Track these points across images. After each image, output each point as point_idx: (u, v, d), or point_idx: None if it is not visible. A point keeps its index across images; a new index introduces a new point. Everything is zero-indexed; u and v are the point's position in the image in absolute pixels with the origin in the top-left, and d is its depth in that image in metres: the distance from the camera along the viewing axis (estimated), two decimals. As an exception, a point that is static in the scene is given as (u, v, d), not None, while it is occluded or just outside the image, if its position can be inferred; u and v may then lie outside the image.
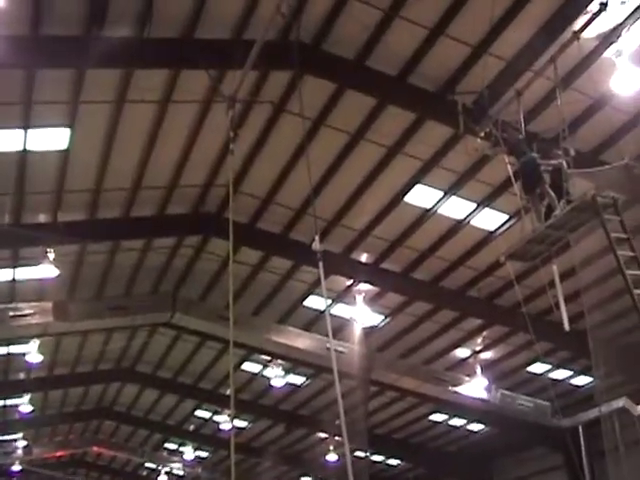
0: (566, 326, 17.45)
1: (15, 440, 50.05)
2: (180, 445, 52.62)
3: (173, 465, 54.14)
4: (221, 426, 45.77)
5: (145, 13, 17.86)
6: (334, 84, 20.48)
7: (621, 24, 17.52)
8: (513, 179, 17.53)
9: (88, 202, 24.63)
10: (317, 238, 12.62)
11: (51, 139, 21.51)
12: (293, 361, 34.98)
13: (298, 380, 38.35)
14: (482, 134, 18.29)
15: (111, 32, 17.91)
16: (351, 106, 21.09)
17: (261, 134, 22.42)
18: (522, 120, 17.15)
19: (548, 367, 33.60)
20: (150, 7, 17.71)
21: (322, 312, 30.36)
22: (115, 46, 17.96)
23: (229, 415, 41.92)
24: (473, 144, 19.33)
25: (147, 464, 56.83)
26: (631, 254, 15.47)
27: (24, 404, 42.49)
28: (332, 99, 20.94)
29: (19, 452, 50.58)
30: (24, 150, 21.51)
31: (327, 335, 30.14)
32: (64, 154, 22.16)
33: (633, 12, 17.34)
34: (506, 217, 24.40)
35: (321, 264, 12.44)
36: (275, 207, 25.55)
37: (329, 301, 29.66)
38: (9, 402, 42.97)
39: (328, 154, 22.87)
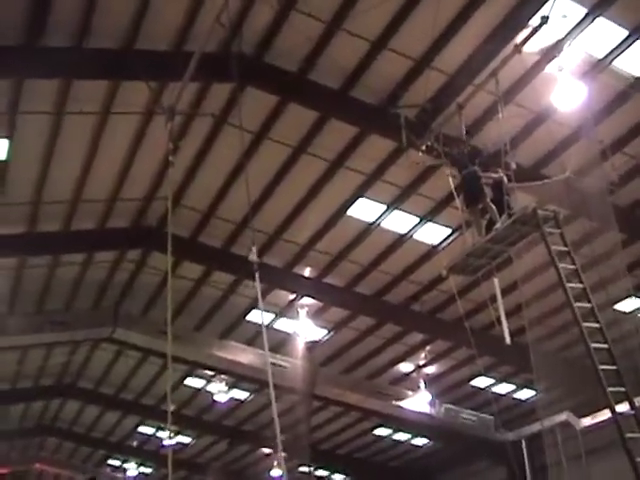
0: (507, 340, 17.50)
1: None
2: (123, 462, 51.98)
3: (114, 482, 53.55)
4: (164, 442, 45.29)
5: (85, 23, 17.61)
6: (276, 97, 20.35)
7: (562, 39, 17.66)
8: (455, 193, 17.50)
9: (27, 215, 24.17)
10: (254, 249, 12.45)
11: (-11, 150, 21.10)
12: (236, 376, 34.69)
13: (242, 395, 38.03)
14: (424, 147, 18.25)
15: (50, 42, 17.67)
16: (293, 119, 20.97)
17: (202, 147, 22.19)
18: (464, 134, 17.12)
19: (491, 381, 33.73)
20: (90, 17, 17.46)
21: (265, 326, 30.18)
22: (54, 56, 17.76)
23: (172, 431, 41.53)
24: (415, 158, 19.30)
25: (89, 481, 56.07)
26: (572, 267, 15.50)
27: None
28: (274, 112, 20.79)
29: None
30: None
31: (270, 350, 30.25)
32: (3, 165, 21.73)
33: (574, 27, 17.50)
34: (449, 231, 24.45)
35: (257, 275, 12.30)
36: (216, 221, 25.29)
37: (272, 315, 29.59)
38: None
39: (270, 167, 22.72)
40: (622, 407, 15.10)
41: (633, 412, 14.99)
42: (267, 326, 30.34)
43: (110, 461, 52.77)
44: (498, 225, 15.71)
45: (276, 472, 42.92)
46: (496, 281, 17.78)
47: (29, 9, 17.01)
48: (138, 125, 21.26)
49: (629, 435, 14.71)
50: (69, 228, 25.14)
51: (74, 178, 22.99)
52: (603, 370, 14.68)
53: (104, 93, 19.93)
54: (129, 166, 22.79)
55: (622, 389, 14.80)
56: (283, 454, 15.81)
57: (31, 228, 24.74)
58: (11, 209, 23.84)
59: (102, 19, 17.63)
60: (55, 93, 19.61)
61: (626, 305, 24.48)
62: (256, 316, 29.61)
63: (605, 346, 15.04)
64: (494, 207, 16.13)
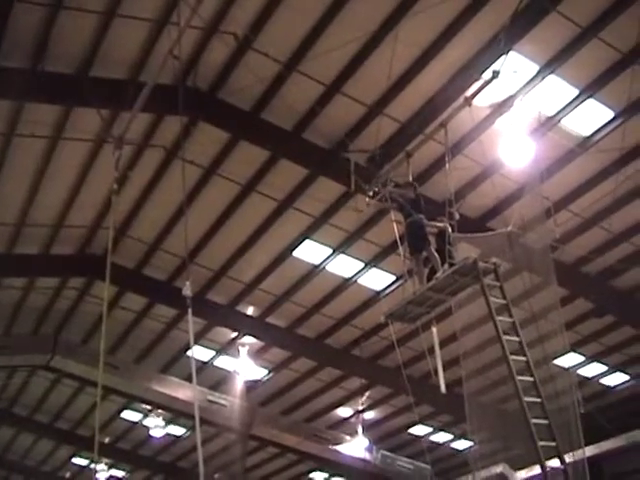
0: (443, 389, 17.50)
1: None
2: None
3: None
4: (98, 475, 44.62)
5: (40, 46, 17.54)
6: (228, 133, 20.38)
7: (513, 95, 17.90)
8: (399, 240, 17.55)
9: (-31, 237, 23.97)
10: (188, 284, 12.41)
11: None
12: (174, 411, 34.30)
13: (179, 431, 37.65)
14: (371, 193, 18.32)
15: (3, 62, 17.53)
16: (244, 157, 21.03)
17: (152, 179, 22.16)
18: (412, 181, 17.20)
19: (429, 430, 33.73)
20: (46, 41, 17.41)
21: (205, 363, 30.05)
22: (6, 77, 17.65)
23: (106, 464, 41.02)
24: (363, 203, 19.35)
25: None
26: (510, 320, 15.55)
27: None
28: (225, 148, 20.86)
29: None
30: None
31: (209, 387, 30.09)
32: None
33: (526, 84, 17.75)
34: (393, 278, 24.53)
35: (190, 310, 12.22)
36: (162, 253, 25.20)
37: (212, 352, 29.47)
38: None
39: (219, 203, 22.74)
40: (554, 462, 15.13)
41: (562, 467, 15.01)
42: (207, 363, 30.26)
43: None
44: (439, 274, 15.76)
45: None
46: (435, 331, 17.84)
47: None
48: (88, 152, 21.19)
49: (557, 491, 14.73)
50: (12, 251, 24.87)
51: (20, 201, 22.84)
52: (535, 424, 14.69)
53: (56, 117, 19.87)
54: (77, 192, 22.67)
55: (553, 444, 14.81)
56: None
57: (-28, 250, 24.49)
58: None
59: (58, 43, 17.63)
60: (6, 114, 19.48)
61: (565, 361, 24.63)
62: (196, 352, 29.42)
63: (538, 400, 15.07)
64: (437, 256, 16.17)
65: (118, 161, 15.35)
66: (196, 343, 28.46)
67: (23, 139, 20.38)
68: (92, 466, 42.95)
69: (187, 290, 12.39)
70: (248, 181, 21.85)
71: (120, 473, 43.50)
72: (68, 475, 47.05)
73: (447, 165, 16.98)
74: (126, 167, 20.45)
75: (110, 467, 41.98)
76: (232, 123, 20.08)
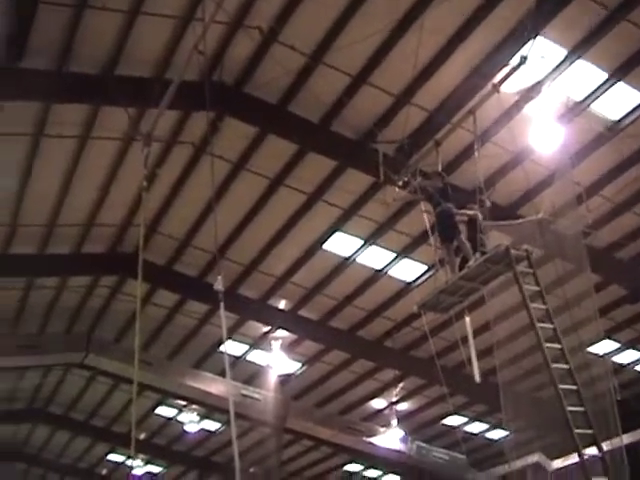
0: (477, 378, 17.39)
1: None
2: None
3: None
4: (134, 471, 44.81)
5: (65, 48, 17.60)
6: (255, 128, 20.35)
7: (541, 80, 17.75)
8: (429, 229, 17.46)
9: (2, 237, 24.09)
10: (220, 279, 12.38)
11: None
12: (208, 407, 34.42)
13: (213, 426, 37.74)
14: (400, 183, 18.21)
15: (30, 65, 17.60)
16: (272, 151, 21.00)
17: (181, 175, 22.18)
18: (440, 170, 17.09)
19: (464, 420, 33.61)
20: (71, 41, 17.45)
21: (238, 358, 30.09)
22: (33, 79, 17.71)
23: (142, 460, 41.20)
24: (392, 194, 19.26)
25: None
26: (544, 308, 15.43)
27: None
28: (253, 143, 20.81)
29: None
30: None
31: (243, 381, 30.13)
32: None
33: (554, 69, 17.60)
34: (424, 268, 24.44)
35: (222, 305, 12.20)
36: (192, 250, 25.22)
37: (245, 347, 29.50)
38: None
39: (248, 198, 22.73)
40: (591, 450, 15.01)
41: (600, 455, 14.90)
42: (240, 357, 30.26)
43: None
44: (471, 263, 15.66)
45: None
46: (468, 320, 17.70)
47: (9, 31, 16.92)
48: (117, 151, 21.26)
49: (595, 479, 14.63)
50: (44, 251, 25.02)
51: (51, 201, 22.95)
52: (571, 412, 14.59)
53: (84, 117, 19.93)
54: (107, 191, 22.78)
55: (590, 431, 14.70)
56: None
57: (5, 250, 24.63)
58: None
59: (83, 43, 17.67)
60: (34, 115, 19.57)
61: (600, 348, 24.43)
62: (229, 347, 29.46)
63: (574, 388, 14.96)
64: (468, 245, 16.07)
65: (147, 158, 15.37)
66: (229, 338, 28.53)
67: (51, 140, 20.47)
68: (128, 462, 43.28)
69: (219, 285, 12.36)
70: (276, 175, 21.82)
71: (156, 469, 43.67)
72: (105, 472, 47.29)
73: (476, 153, 16.91)
74: (155, 164, 20.44)
75: (146, 463, 42.17)
76: (259, 117, 20.04)
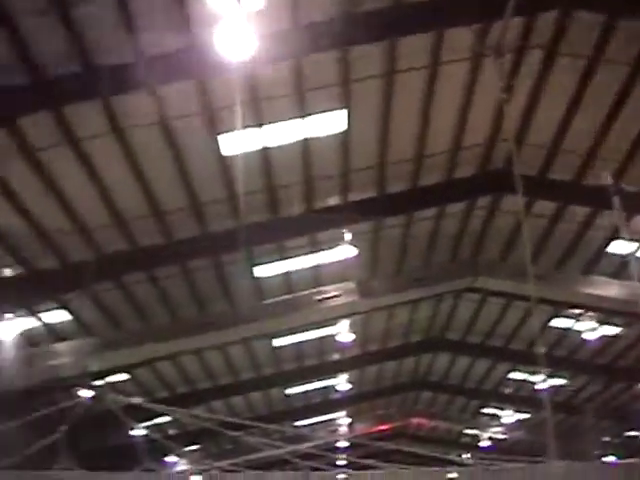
0: None
1: (338, 418, 51.76)
2: (498, 409, 52.18)
3: (493, 429, 53.90)
4: (537, 387, 44.78)
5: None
6: (603, 15, 19.00)
7: None
8: None
9: (374, 179, 24.85)
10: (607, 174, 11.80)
11: (329, 123, 21.77)
12: (605, 311, 33.61)
13: (613, 331, 36.80)
14: None
15: (368, 7, 17.69)
16: (626, 35, 19.44)
17: (536, 82, 21.42)
18: None
19: None
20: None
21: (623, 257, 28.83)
22: (373, 19, 17.81)
23: (544, 374, 41.07)
24: None
25: (467, 431, 56.92)
26: None
27: (342, 383, 43.80)
28: (604, 32, 19.41)
29: (344, 429, 52.20)
30: (305, 139, 21.99)
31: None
32: (344, 135, 22.37)
33: None
34: None
35: (617, 199, 11.59)
36: (563, 154, 24.39)
37: (636, 244, 28.14)
38: (327, 383, 44.37)
39: (610, 90, 21.44)
40: None
41: None
42: (626, 257, 29.00)
43: (484, 410, 53.23)
44: None
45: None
46: None
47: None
48: (468, 71, 20.99)
49: None
50: (416, 185, 25.48)
51: (413, 135, 23.23)
52: None
53: (429, 45, 19.81)
54: (466, 113, 22.64)
55: None
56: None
57: (380, 191, 25.33)
58: (358, 175, 24.56)
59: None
60: (381, 55, 19.73)
61: None
62: (619, 247, 28.27)
63: None
64: None
65: (502, 69, 14.99)
66: (617, 238, 27.37)
67: (402, 75, 20.61)
68: (531, 379, 43.44)
69: (607, 178, 11.80)
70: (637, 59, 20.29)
71: (559, 381, 43.37)
72: (508, 391, 47.79)
73: None
74: (509, 76, 19.95)
75: (548, 377, 42.00)
76: (607, 3, 18.76)
